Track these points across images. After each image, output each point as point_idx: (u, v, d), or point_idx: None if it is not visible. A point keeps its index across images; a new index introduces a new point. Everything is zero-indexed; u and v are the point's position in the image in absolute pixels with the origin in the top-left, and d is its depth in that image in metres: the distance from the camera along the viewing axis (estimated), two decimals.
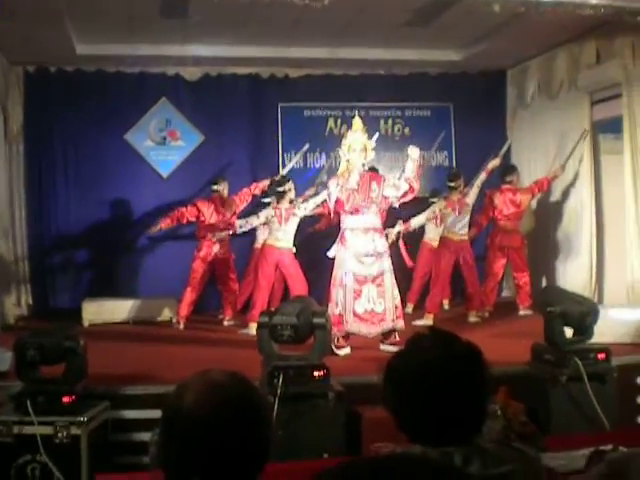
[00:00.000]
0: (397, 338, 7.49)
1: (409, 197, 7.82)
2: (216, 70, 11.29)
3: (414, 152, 7.73)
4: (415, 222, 9.64)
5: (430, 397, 1.98)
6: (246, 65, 11.19)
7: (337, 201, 7.63)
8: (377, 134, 8.35)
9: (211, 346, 8.08)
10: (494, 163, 10.08)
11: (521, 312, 10.00)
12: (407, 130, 11.91)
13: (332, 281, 7.67)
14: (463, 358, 2.04)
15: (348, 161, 7.67)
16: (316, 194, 9.31)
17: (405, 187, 7.65)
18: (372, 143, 7.81)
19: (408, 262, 8.92)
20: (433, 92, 11.88)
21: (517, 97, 11.91)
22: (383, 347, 7.51)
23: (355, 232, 7.59)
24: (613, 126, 10.03)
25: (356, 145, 7.63)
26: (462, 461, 1.95)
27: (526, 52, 10.99)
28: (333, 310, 7.41)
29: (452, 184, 9.85)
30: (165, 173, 11.23)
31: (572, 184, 10.57)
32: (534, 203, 11.08)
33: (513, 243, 10.15)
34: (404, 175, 7.71)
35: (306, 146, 10.72)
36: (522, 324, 9.14)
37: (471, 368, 2.03)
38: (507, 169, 10.44)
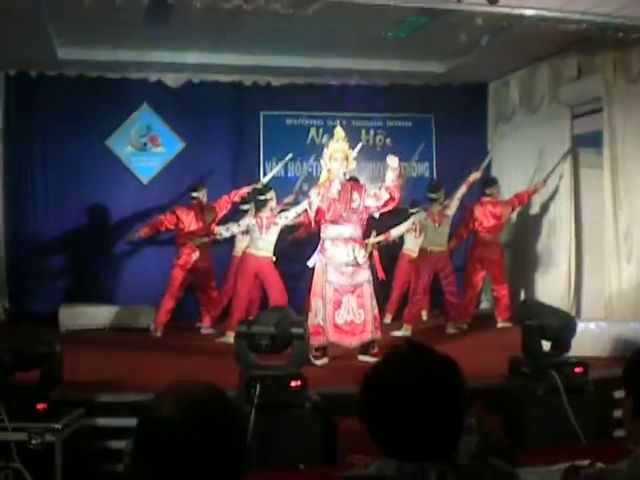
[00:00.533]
0: (375, 349, 7.48)
1: (390, 206, 7.81)
2: (199, 77, 11.27)
3: (393, 161, 7.73)
4: (395, 233, 9.67)
5: (406, 411, 1.96)
6: (229, 73, 11.17)
7: (318, 210, 7.61)
8: (360, 145, 8.37)
9: (188, 354, 8.05)
10: (475, 176, 10.10)
11: (499, 324, 10.02)
12: (389, 140, 11.94)
13: (312, 291, 7.66)
14: (440, 372, 2.03)
15: (329, 170, 7.66)
16: (295, 202, 9.32)
17: (386, 196, 7.64)
18: (354, 153, 7.81)
19: (380, 274, 8.93)
20: (415, 103, 11.93)
21: (498, 110, 11.96)
22: (361, 358, 7.50)
23: (335, 242, 7.58)
24: (593, 140, 10.09)
25: (337, 154, 7.62)
26: (437, 477, 1.93)
27: (508, 66, 11.05)
28: (312, 320, 7.40)
29: (433, 195, 9.85)
30: (145, 179, 11.20)
31: (552, 197, 10.63)
32: (514, 216, 11.11)
33: (493, 255, 10.17)
34: (384, 184, 7.70)
35: (289, 156, 10.69)
36: (500, 336, 9.16)
37: (448, 382, 2.02)
38: (488, 182, 10.48)
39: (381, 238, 9.68)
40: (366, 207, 7.70)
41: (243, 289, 9.10)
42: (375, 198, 7.67)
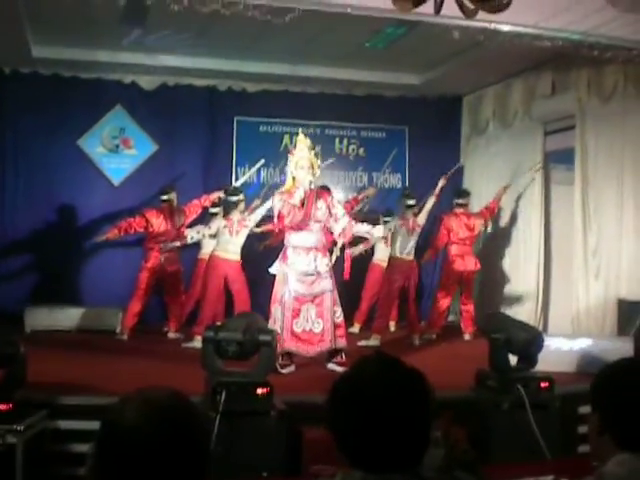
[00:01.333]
0: (343, 358, 7.46)
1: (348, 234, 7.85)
2: (173, 80, 11.25)
3: (379, 232, 7.86)
4: (375, 232, 9.68)
5: (373, 422, 1.95)
6: (204, 77, 11.16)
7: (279, 215, 7.60)
8: (331, 160, 8.33)
9: (154, 359, 7.99)
10: (442, 183, 10.10)
11: (466, 337, 10.03)
12: (362, 150, 11.97)
13: (273, 298, 7.64)
14: (408, 384, 2.02)
15: (294, 178, 7.64)
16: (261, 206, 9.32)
17: (344, 223, 7.66)
18: (322, 165, 7.80)
19: (346, 274, 8.90)
20: (389, 114, 11.97)
21: (472, 123, 12.03)
22: (330, 366, 7.47)
23: (297, 250, 7.55)
24: (565, 157, 10.16)
25: (303, 162, 7.59)
26: None
27: (483, 79, 11.12)
28: (273, 327, 7.37)
29: (410, 202, 9.80)
30: (116, 181, 11.14)
31: (522, 213, 10.69)
32: (489, 228, 11.15)
33: (469, 267, 10.17)
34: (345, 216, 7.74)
35: (261, 161, 10.66)
36: (467, 348, 9.18)
37: (415, 394, 2.01)
38: (461, 193, 10.51)
39: (362, 248, 9.66)
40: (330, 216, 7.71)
41: (212, 293, 9.08)
42: (334, 221, 7.67)
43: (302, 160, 7.60)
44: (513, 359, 6.12)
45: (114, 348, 8.74)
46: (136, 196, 10.67)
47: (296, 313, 7.42)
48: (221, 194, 9.72)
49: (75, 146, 10.93)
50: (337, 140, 11.85)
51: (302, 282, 7.47)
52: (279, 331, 7.31)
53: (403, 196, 10.03)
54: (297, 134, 11.36)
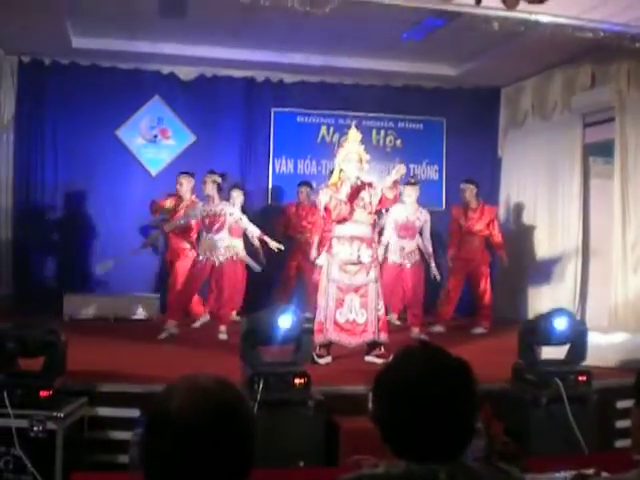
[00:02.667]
0: (382, 350, 7.44)
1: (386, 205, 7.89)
2: (211, 71, 11.28)
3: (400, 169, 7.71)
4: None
5: (418, 412, 1.95)
6: (242, 68, 11.18)
7: (326, 209, 7.59)
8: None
9: (190, 346, 8.05)
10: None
11: (477, 330, 9.94)
12: (399, 142, 11.93)
13: (319, 288, 7.65)
14: (453, 373, 2.02)
15: (342, 171, 7.63)
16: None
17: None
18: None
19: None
20: (427, 106, 11.93)
21: (510, 115, 11.93)
22: (368, 359, 7.44)
23: (341, 240, 7.54)
24: (604, 150, 10.07)
25: (352, 156, 7.57)
26: (447, 479, 1.93)
27: (521, 71, 11.03)
28: (318, 317, 7.38)
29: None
30: (154, 171, 11.20)
31: (561, 206, 10.60)
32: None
33: (479, 259, 10.13)
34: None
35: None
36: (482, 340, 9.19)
37: (461, 384, 2.01)
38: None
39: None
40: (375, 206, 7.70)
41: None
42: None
43: (351, 153, 7.58)
44: (554, 352, 6.10)
45: (151, 336, 8.78)
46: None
47: (340, 303, 7.41)
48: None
49: (114, 136, 11.01)
50: (374, 131, 11.81)
51: (345, 272, 7.46)
52: (323, 321, 7.33)
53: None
54: (333, 125, 11.60)
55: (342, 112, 11.45)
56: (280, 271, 10.38)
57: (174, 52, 10.39)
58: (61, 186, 10.89)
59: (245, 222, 9.15)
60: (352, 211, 7.49)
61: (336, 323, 7.39)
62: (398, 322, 10.07)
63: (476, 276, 10.11)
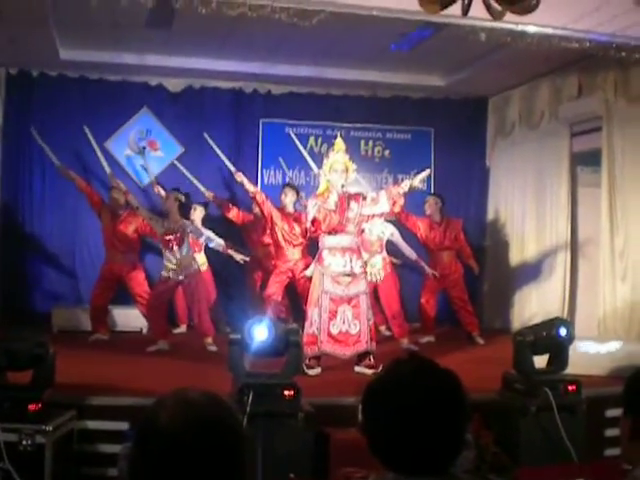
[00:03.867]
0: (371, 360, 7.45)
1: (390, 205, 7.85)
2: (199, 82, 11.29)
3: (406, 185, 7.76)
4: None
5: (407, 424, 1.95)
6: (230, 79, 11.19)
7: (314, 221, 7.60)
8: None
9: (180, 359, 8.03)
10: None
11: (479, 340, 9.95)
12: (387, 152, 11.95)
13: (308, 300, 7.64)
14: (443, 386, 2.02)
15: (329, 181, 7.65)
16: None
17: (384, 200, 7.66)
18: (353, 165, 7.77)
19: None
20: (415, 116, 11.95)
21: (498, 125, 11.96)
22: (358, 369, 7.45)
23: (332, 252, 7.55)
24: (591, 159, 10.11)
25: (338, 166, 7.59)
26: None
27: (509, 81, 11.07)
28: (307, 329, 7.39)
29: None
30: (143, 183, 11.17)
31: (549, 215, 10.63)
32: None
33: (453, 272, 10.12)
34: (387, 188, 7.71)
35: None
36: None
37: (451, 396, 2.01)
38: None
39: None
40: (364, 215, 7.71)
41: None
42: (373, 203, 7.66)
43: (337, 163, 7.61)
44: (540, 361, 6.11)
45: (141, 348, 8.77)
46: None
47: (333, 314, 7.43)
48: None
49: (102, 148, 10.97)
50: (362, 142, 11.82)
51: (338, 283, 7.47)
52: (316, 333, 7.34)
53: None
54: (321, 136, 11.61)
55: (330, 123, 11.47)
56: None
57: (162, 64, 10.40)
58: (49, 198, 10.85)
59: (205, 239, 9.26)
60: (345, 221, 7.51)
61: (330, 335, 7.41)
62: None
63: (452, 288, 10.12)
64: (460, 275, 10.13)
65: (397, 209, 8.87)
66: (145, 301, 9.44)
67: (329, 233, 7.56)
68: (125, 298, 10.29)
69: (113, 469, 5.24)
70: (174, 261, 8.88)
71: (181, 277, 8.93)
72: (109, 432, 5.55)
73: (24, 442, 4.86)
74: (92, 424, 5.66)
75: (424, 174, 7.76)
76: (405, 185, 7.75)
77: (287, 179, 11.39)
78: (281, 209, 9.62)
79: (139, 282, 9.67)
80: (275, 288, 9.24)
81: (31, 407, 5.00)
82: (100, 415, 5.69)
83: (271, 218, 9.20)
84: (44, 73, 10.77)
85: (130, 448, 1.76)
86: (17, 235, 10.78)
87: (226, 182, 11.20)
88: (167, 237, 8.90)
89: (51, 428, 4.96)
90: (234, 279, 10.80)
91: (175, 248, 8.85)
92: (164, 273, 8.98)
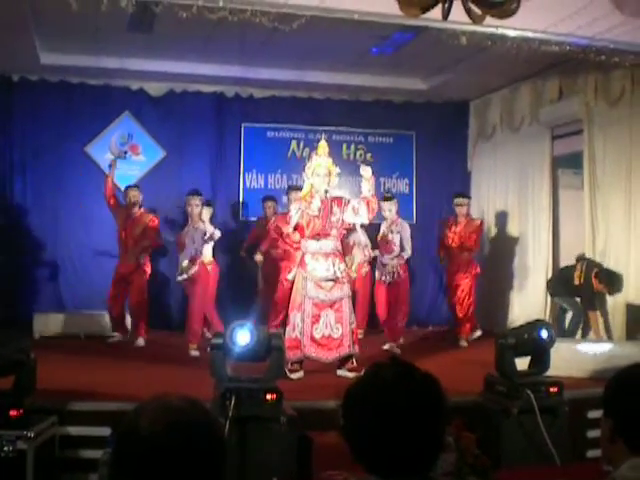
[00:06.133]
0: (354, 364, 7.44)
1: (370, 217, 7.79)
2: (181, 87, 11.28)
3: (367, 171, 7.65)
4: None
5: (387, 427, 1.95)
6: (211, 83, 11.19)
7: (297, 226, 7.59)
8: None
9: (162, 364, 8.01)
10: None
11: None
12: (369, 156, 11.96)
13: (290, 305, 7.62)
14: (422, 390, 2.02)
15: (311, 185, 7.62)
16: None
17: (364, 212, 7.61)
18: (336, 169, 7.75)
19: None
20: (397, 119, 11.98)
21: (479, 128, 12.01)
22: (340, 373, 7.44)
23: (315, 256, 7.53)
24: (573, 162, 10.16)
25: (320, 170, 7.56)
26: None
27: (489, 84, 11.12)
28: (290, 334, 7.37)
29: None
30: (124, 187, 11.11)
31: (531, 217, 10.67)
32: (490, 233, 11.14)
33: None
34: (361, 196, 7.67)
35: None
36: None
37: (430, 399, 2.01)
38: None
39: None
40: (344, 222, 7.68)
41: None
42: (353, 213, 7.63)
43: (319, 167, 7.57)
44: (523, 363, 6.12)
45: (122, 354, 8.74)
46: (144, 203, 10.68)
47: (316, 319, 7.41)
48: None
49: (83, 152, 10.95)
50: (344, 146, 11.84)
51: (321, 288, 7.46)
52: (299, 337, 7.33)
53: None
54: (303, 140, 11.61)
55: (312, 127, 11.46)
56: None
57: (143, 68, 10.39)
58: (30, 202, 10.80)
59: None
60: (329, 226, 7.50)
61: (312, 339, 7.39)
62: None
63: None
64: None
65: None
66: (135, 314, 9.61)
67: (312, 238, 7.54)
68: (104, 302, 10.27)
69: (95, 475, 5.21)
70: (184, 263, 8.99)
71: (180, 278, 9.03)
72: (91, 438, 5.51)
73: (5, 448, 4.82)
74: (74, 430, 5.62)
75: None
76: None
77: (268, 184, 11.39)
78: (269, 220, 9.84)
79: (140, 289, 9.65)
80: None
81: (12, 413, 4.96)
82: (82, 421, 5.65)
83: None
84: (24, 77, 10.73)
85: (110, 453, 1.75)
86: None
87: (207, 185, 11.17)
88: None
89: (33, 434, 4.92)
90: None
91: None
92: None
